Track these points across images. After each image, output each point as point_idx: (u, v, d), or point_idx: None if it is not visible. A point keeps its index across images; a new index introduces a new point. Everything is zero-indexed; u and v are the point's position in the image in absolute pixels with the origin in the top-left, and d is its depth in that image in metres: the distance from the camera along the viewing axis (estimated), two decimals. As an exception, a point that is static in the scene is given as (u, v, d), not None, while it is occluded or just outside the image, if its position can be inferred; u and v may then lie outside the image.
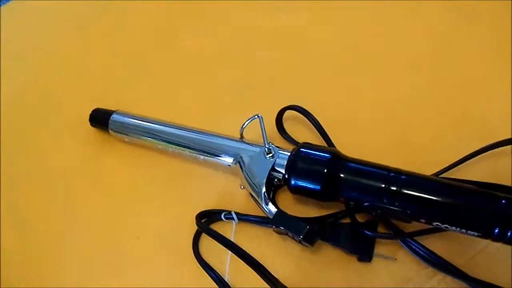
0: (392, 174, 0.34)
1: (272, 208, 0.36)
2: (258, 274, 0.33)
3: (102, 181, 0.46)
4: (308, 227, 0.35)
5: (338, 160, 0.36)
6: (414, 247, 0.37)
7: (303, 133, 0.43)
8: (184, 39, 0.55)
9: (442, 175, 0.38)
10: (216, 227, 0.41)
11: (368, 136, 0.43)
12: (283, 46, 0.51)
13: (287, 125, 0.44)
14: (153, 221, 0.43)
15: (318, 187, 0.36)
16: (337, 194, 0.36)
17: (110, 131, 0.45)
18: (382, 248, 0.38)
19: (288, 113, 0.43)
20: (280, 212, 0.36)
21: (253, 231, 0.40)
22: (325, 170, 0.35)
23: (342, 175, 0.35)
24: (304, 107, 0.42)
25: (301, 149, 0.37)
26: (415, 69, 0.47)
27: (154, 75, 0.53)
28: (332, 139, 0.41)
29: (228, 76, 0.51)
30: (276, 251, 0.39)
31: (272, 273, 0.36)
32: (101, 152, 0.47)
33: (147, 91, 0.52)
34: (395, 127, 0.44)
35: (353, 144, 0.39)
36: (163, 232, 0.42)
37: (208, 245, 0.40)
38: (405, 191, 0.34)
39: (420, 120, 0.44)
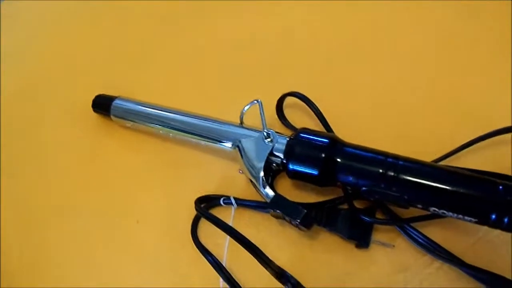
0: (390, 159, 0.34)
1: (270, 192, 0.36)
2: (254, 257, 0.34)
3: (103, 166, 0.47)
4: (305, 211, 0.35)
5: (336, 145, 0.36)
6: (412, 234, 0.37)
7: (304, 120, 0.43)
8: (186, 27, 0.56)
9: (440, 163, 0.38)
10: (216, 212, 0.41)
11: (368, 124, 0.43)
12: (287, 34, 0.51)
13: (288, 112, 0.44)
14: (153, 205, 0.43)
15: (315, 171, 0.36)
16: (334, 179, 0.36)
17: (112, 116, 0.45)
18: (380, 235, 0.38)
19: (290, 100, 0.43)
20: (277, 196, 0.36)
21: (252, 217, 0.41)
22: (323, 155, 0.35)
23: (339, 160, 0.35)
24: (305, 94, 0.42)
25: (300, 134, 0.37)
26: (415, 59, 0.47)
27: (157, 62, 0.53)
28: (332, 126, 0.41)
29: (231, 64, 0.51)
30: (274, 236, 0.39)
31: (271, 258, 0.36)
32: (103, 137, 0.48)
33: (150, 77, 0.52)
34: (394, 116, 0.44)
35: (353, 132, 0.39)
36: (163, 216, 0.42)
37: (207, 229, 0.41)
38: (403, 176, 0.34)
39: (419, 110, 0.44)
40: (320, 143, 0.36)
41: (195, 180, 0.43)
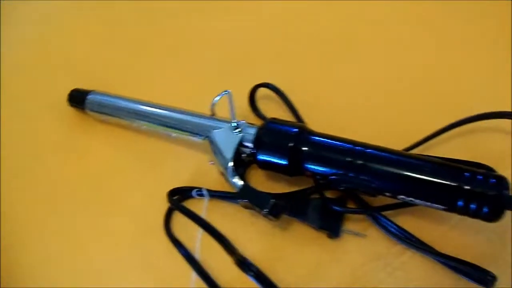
0: (358, 148, 0.34)
1: (239, 182, 0.36)
2: (220, 244, 0.34)
3: (78, 159, 0.47)
4: (273, 200, 0.35)
5: (304, 134, 0.36)
6: (384, 223, 0.37)
7: (278, 112, 0.43)
8: (162, 24, 0.55)
9: (411, 152, 0.38)
10: (190, 204, 0.41)
11: (342, 114, 0.43)
12: (263, 27, 0.51)
13: (263, 104, 0.44)
14: (128, 198, 0.43)
15: (284, 161, 0.36)
16: (303, 168, 0.35)
17: (87, 110, 0.45)
18: (352, 225, 0.38)
19: (265, 92, 0.43)
20: (246, 186, 0.36)
21: (225, 209, 0.40)
22: (291, 144, 0.35)
23: (307, 149, 0.35)
24: (280, 86, 0.42)
25: (268, 124, 0.37)
26: (387, 48, 0.47)
27: (134, 57, 0.53)
28: (305, 117, 0.41)
29: (207, 58, 0.51)
30: (247, 227, 0.39)
31: (244, 249, 0.37)
32: (79, 131, 0.48)
33: (126, 72, 0.52)
34: (368, 106, 0.43)
35: (326, 122, 0.39)
36: (138, 209, 0.42)
37: (181, 222, 0.41)
38: (370, 164, 0.34)
39: (393, 99, 0.44)
40: (288, 133, 0.36)
41: (170, 173, 0.43)
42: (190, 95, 0.43)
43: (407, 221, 0.37)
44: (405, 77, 0.45)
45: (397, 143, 0.38)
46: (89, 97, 0.45)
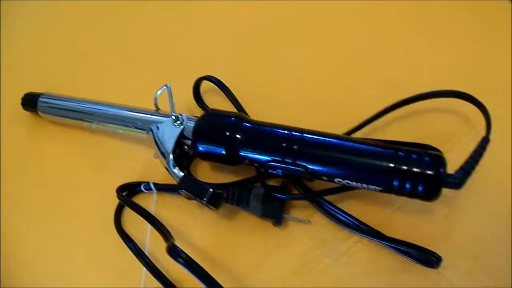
0: (294, 133, 0.35)
1: (179, 173, 0.37)
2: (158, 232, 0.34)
3: (35, 161, 0.47)
4: (212, 190, 0.35)
5: (240, 123, 0.36)
6: (329, 209, 0.37)
7: (224, 104, 0.43)
8: (107, 23, 0.56)
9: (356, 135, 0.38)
10: (140, 199, 0.42)
11: (287, 104, 0.44)
12: (206, 23, 0.52)
13: (209, 98, 0.44)
14: (81, 197, 0.44)
15: (222, 150, 0.36)
16: (240, 156, 0.36)
17: (39, 113, 0.46)
18: (298, 212, 0.39)
19: (212, 86, 0.44)
20: (186, 176, 0.36)
21: (174, 202, 0.41)
22: (228, 133, 0.35)
23: (242, 137, 0.35)
24: (229, 80, 0.43)
25: (206, 115, 0.37)
26: (326, 32, 0.48)
27: (83, 57, 0.53)
28: (251, 110, 0.41)
29: (154, 56, 0.51)
30: (195, 219, 0.40)
31: (192, 240, 0.38)
32: (34, 134, 0.48)
33: (77, 73, 0.52)
34: (313, 95, 0.44)
35: (270, 113, 0.39)
36: (91, 207, 0.43)
37: (132, 217, 0.41)
38: (306, 149, 0.34)
39: (337, 84, 0.44)
40: (225, 122, 0.36)
41: (121, 170, 0.43)
42: (139, 93, 0.43)
43: (351, 206, 0.37)
44: (348, 62, 0.45)
45: (341, 128, 0.38)
46: (41, 99, 0.46)
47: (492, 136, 0.33)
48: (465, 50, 0.43)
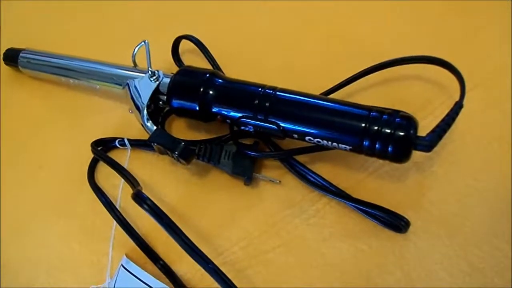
0: (267, 90, 0.34)
1: (152, 127, 0.37)
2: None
3: (12, 115, 0.47)
4: (183, 144, 0.35)
5: (214, 79, 0.36)
6: (300, 170, 0.37)
7: (202, 64, 0.43)
8: None
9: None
10: (114, 154, 0.42)
11: (264, 64, 0.44)
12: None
13: (188, 58, 0.44)
14: (56, 151, 0.44)
15: (195, 106, 0.36)
16: (213, 112, 0.36)
17: (20, 67, 0.46)
18: (269, 172, 0.38)
19: (189, 47, 0.44)
20: (158, 130, 0.36)
21: (147, 158, 0.41)
22: (201, 89, 0.35)
23: (215, 92, 0.35)
24: (210, 41, 0.43)
25: (181, 71, 0.37)
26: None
27: (65, 14, 0.54)
28: (230, 70, 0.41)
29: (134, 13, 0.51)
30: (167, 175, 0.40)
31: (163, 196, 0.38)
32: (13, 89, 0.48)
33: (58, 29, 0.52)
34: (290, 56, 0.44)
35: (249, 73, 0.39)
36: (65, 161, 0.43)
37: (106, 172, 0.41)
38: (277, 106, 0.34)
39: (313, 48, 0.44)
40: (199, 78, 0.36)
41: (97, 125, 0.44)
42: (117, 49, 0.43)
43: (323, 168, 0.37)
44: (323, 31, 0.45)
45: (317, 91, 0.38)
46: (22, 55, 0.46)
47: (469, 107, 0.33)
48: (448, 20, 0.43)
